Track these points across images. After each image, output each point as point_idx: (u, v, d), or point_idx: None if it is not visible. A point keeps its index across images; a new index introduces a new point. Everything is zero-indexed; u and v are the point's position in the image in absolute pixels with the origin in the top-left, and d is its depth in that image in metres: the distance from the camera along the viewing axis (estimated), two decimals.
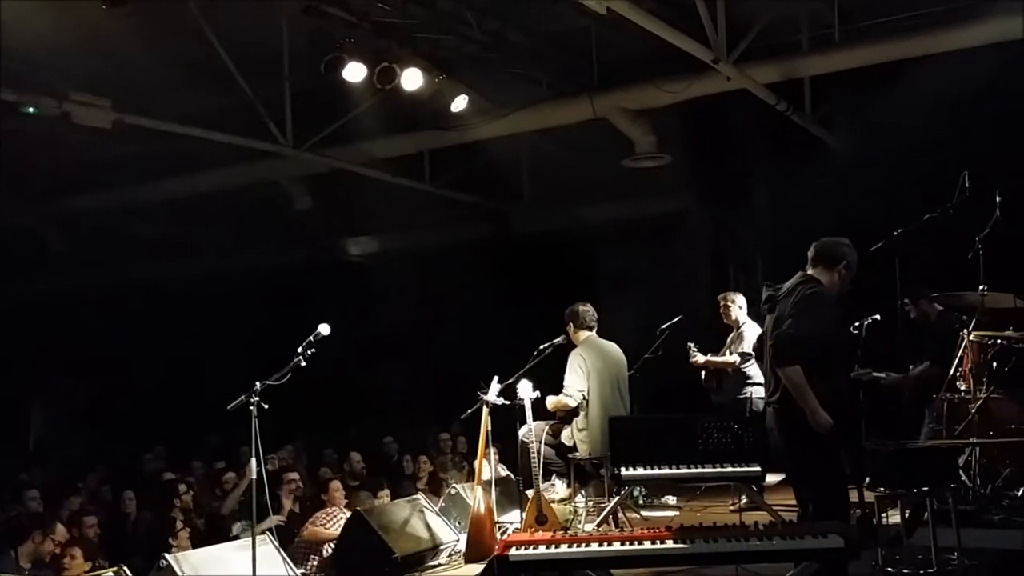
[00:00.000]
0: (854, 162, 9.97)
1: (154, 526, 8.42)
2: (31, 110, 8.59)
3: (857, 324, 7.20)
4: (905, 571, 5.28)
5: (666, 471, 5.20)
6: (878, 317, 7.21)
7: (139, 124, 9.38)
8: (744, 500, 7.62)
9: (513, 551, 4.37)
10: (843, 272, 5.32)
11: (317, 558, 7.74)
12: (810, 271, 5.37)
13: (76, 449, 13.30)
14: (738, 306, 8.43)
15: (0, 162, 11.57)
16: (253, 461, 5.94)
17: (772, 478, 7.63)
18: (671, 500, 8.85)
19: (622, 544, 4.38)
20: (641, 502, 8.65)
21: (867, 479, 6.08)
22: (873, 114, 9.34)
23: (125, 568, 6.03)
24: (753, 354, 7.92)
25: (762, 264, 10.15)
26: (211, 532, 8.31)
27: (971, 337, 6.96)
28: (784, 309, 5.23)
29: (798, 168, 9.99)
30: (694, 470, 5.14)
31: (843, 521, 4.86)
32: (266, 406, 5.94)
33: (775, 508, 6.16)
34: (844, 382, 5.26)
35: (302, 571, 6.95)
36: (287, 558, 6.72)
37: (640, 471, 5.19)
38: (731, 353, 8.46)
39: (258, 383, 5.94)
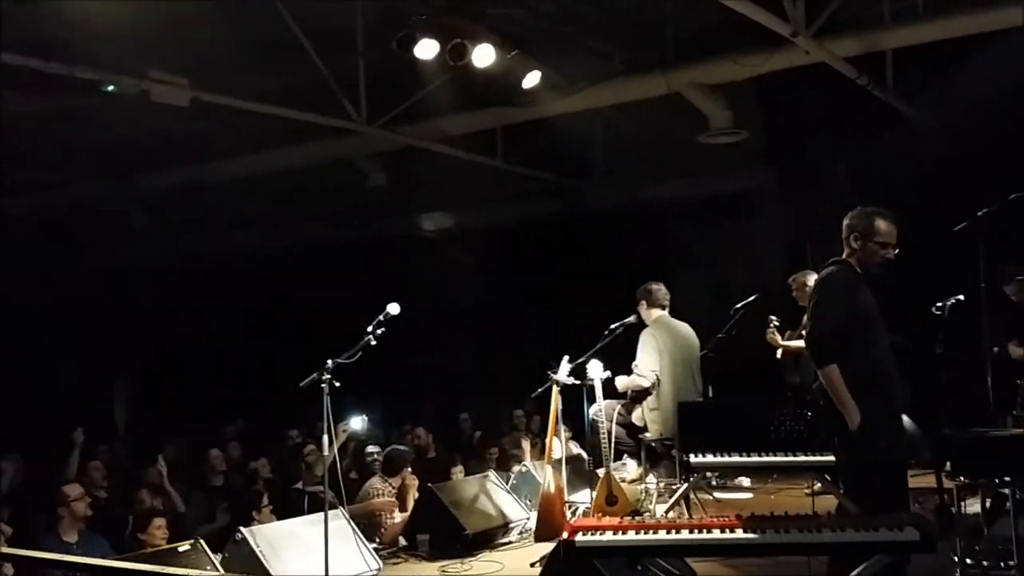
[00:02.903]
0: (938, 137, 9.66)
1: (239, 498, 8.52)
2: (111, 88, 8.70)
3: (940, 304, 7.00)
4: (984, 563, 5.14)
5: (736, 459, 5.08)
6: (961, 297, 6.99)
7: (216, 102, 9.48)
8: (819, 484, 7.50)
9: (580, 536, 4.33)
10: (876, 242, 5.12)
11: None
12: (845, 248, 5.23)
13: (156, 423, 13.59)
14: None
15: (85, 139, 11.91)
16: (326, 438, 6.03)
17: None
18: (744, 482, 8.75)
19: (691, 532, 4.31)
20: (713, 483, 8.57)
21: (947, 465, 5.93)
22: (958, 88, 9.01)
23: (201, 541, 6.14)
24: None
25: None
26: (291, 506, 8.42)
27: None
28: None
29: (879, 144, 9.72)
30: (765, 458, 5.03)
31: (902, 511, 4.75)
32: (338, 384, 6.00)
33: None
34: (887, 360, 5.08)
35: (373, 545, 7.02)
36: (359, 532, 6.83)
37: (710, 458, 5.10)
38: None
39: (329, 361, 6.01)
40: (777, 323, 8.39)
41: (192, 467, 10.27)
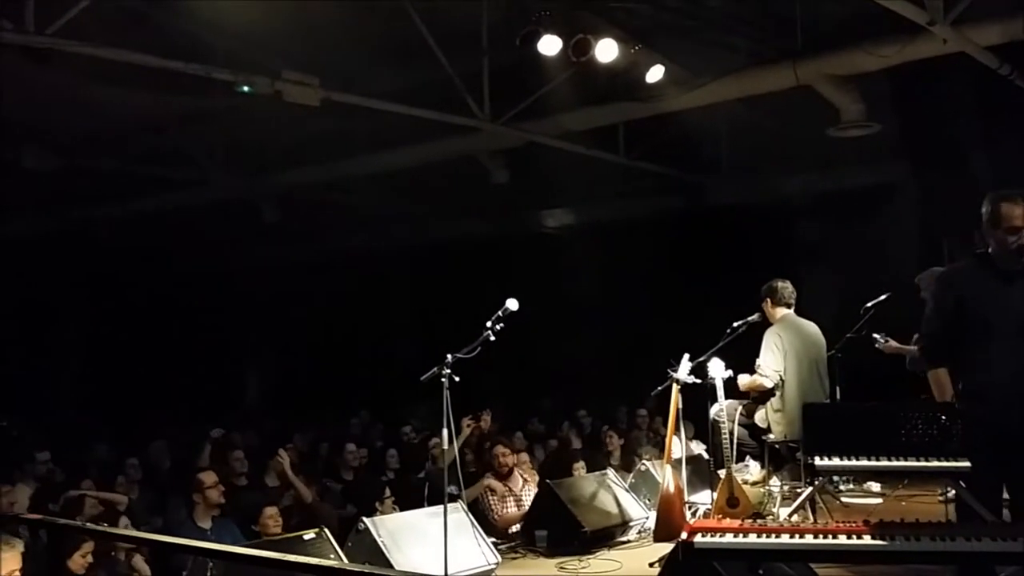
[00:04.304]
0: None
1: (363, 488, 8.63)
2: (246, 89, 8.94)
3: None
4: None
5: (864, 463, 4.90)
6: None
7: (345, 101, 9.66)
8: (953, 491, 7.20)
9: (699, 537, 4.26)
10: (1003, 228, 4.84)
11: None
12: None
13: (284, 413, 13.95)
14: None
15: (220, 138, 12.33)
16: (445, 432, 6.09)
17: None
18: (874, 487, 8.47)
19: (815, 537, 4.18)
20: (841, 488, 8.33)
21: None
22: None
23: (326, 530, 6.27)
24: None
25: (979, 239, 9.47)
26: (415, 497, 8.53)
27: None
28: None
29: (1018, 133, 9.26)
30: (895, 463, 4.83)
31: None
32: (457, 378, 6.06)
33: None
34: (1003, 368, 4.75)
35: (492, 539, 7.06)
36: (478, 526, 6.88)
37: (836, 461, 4.93)
38: None
39: (449, 356, 6.07)
40: (883, 340, 7.99)
41: (319, 458, 10.52)
